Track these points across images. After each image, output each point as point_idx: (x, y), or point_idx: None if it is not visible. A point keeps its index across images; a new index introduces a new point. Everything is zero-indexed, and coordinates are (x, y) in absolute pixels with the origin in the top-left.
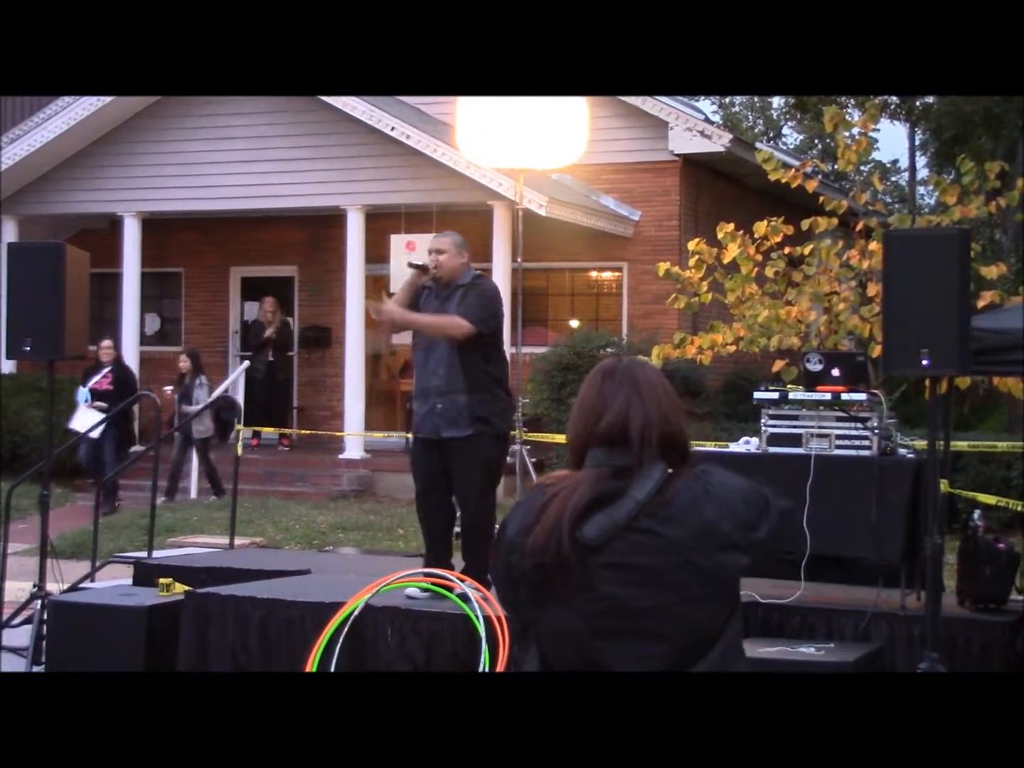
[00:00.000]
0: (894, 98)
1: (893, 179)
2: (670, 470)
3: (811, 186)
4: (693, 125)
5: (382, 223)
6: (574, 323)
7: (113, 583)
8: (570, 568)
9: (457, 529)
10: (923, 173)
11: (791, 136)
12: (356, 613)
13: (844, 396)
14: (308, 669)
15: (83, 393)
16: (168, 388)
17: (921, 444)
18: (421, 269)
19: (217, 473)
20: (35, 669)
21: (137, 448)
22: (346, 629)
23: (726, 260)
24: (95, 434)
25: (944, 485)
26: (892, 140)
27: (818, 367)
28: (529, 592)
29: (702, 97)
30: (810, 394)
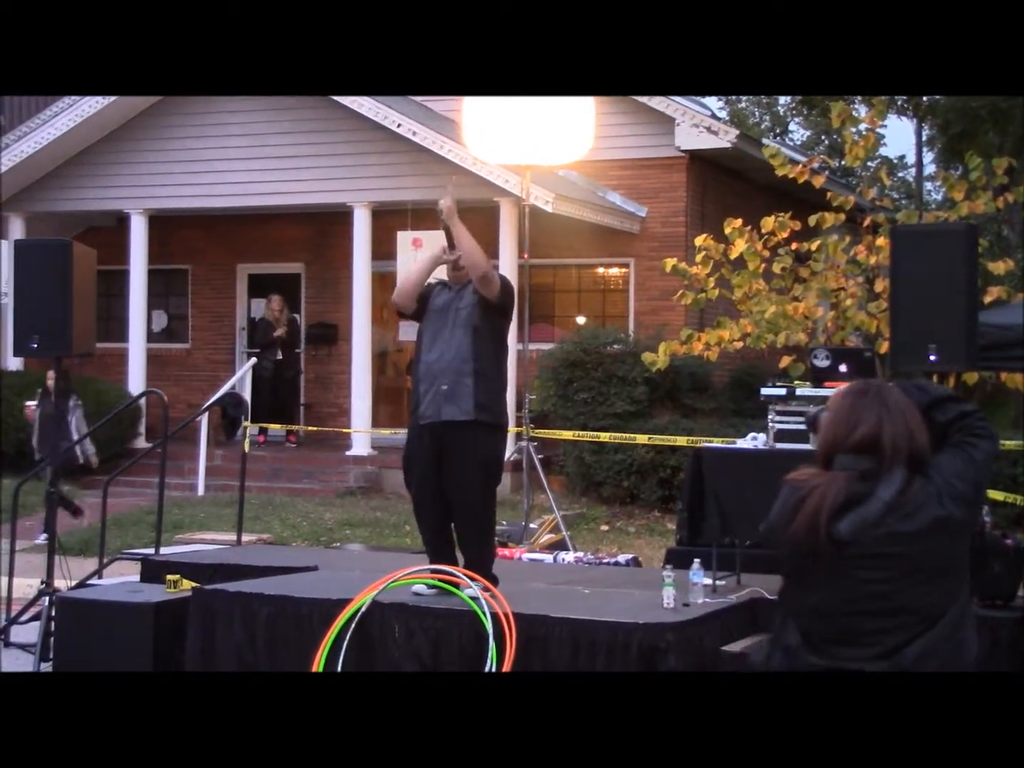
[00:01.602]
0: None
1: (900, 175)
2: (908, 474)
3: (818, 182)
4: (700, 121)
5: (389, 220)
6: (581, 319)
7: (120, 580)
8: (825, 558)
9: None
10: (930, 169)
11: (798, 132)
12: (363, 610)
13: None
14: (315, 666)
15: None
16: (30, 403)
17: None
18: (451, 244)
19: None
20: (43, 666)
21: (145, 445)
22: (353, 626)
23: (733, 256)
24: None
25: None
26: (899, 136)
27: (825, 363)
28: (788, 574)
29: None
30: (817, 390)
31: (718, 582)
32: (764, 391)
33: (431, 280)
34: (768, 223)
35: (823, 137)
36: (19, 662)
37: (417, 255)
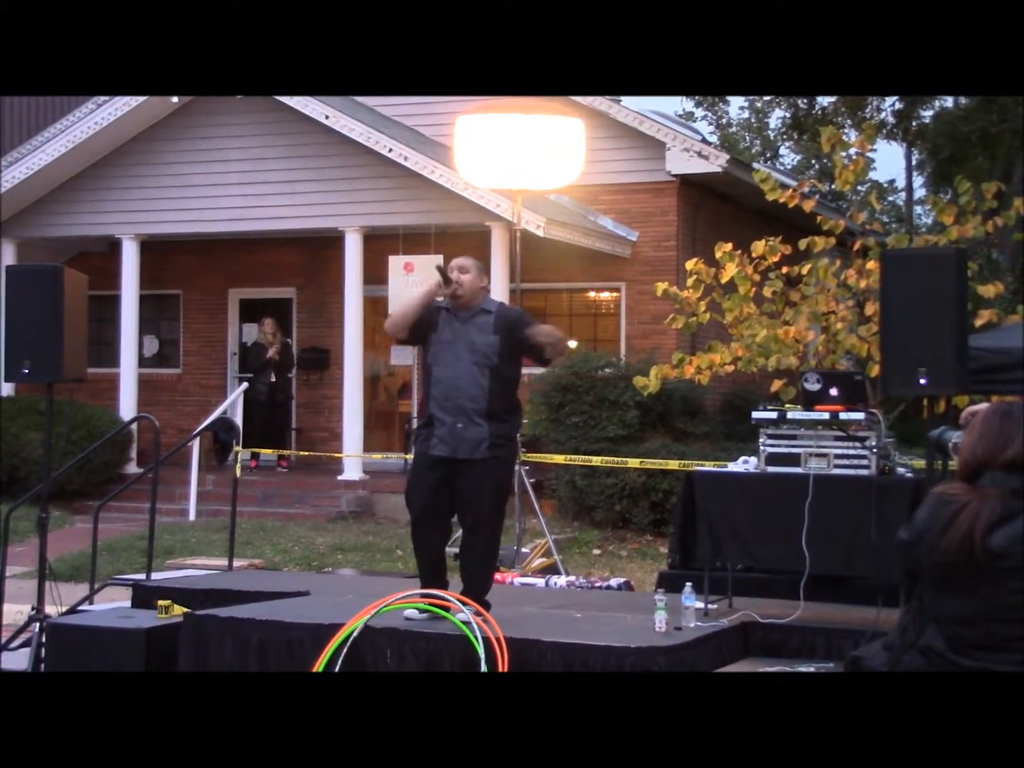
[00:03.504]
0: (891, 118)
1: (890, 199)
2: None
3: (808, 206)
4: (690, 146)
5: (380, 244)
6: (572, 344)
7: (111, 605)
8: (977, 569)
9: (454, 549)
10: (920, 193)
11: (788, 156)
12: (355, 634)
13: (842, 415)
14: None
15: None
16: None
17: (920, 463)
18: (444, 278)
19: None
20: None
21: (136, 470)
22: (345, 650)
23: (724, 280)
24: None
25: None
26: (889, 160)
27: (816, 387)
28: (932, 580)
29: (699, 117)
30: (808, 414)
31: (710, 606)
32: (755, 415)
33: (437, 303)
34: (758, 247)
35: (813, 161)
36: None
37: (409, 279)
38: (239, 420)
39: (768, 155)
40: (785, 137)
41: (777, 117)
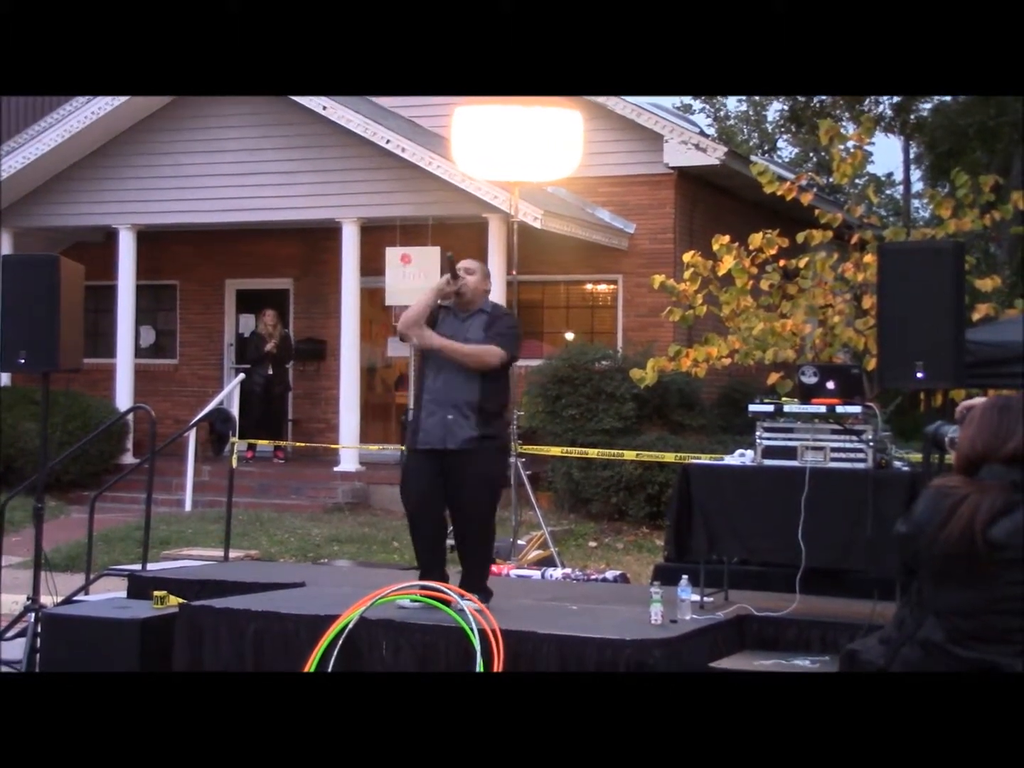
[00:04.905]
0: (889, 111)
1: (888, 192)
2: None
3: (806, 199)
4: (688, 138)
5: (377, 236)
6: (569, 336)
7: (107, 596)
8: (977, 560)
9: (450, 541)
10: (918, 186)
11: (786, 149)
12: (351, 626)
13: (839, 409)
14: None
15: None
16: None
17: (916, 457)
18: (454, 275)
19: None
20: None
21: (132, 461)
22: (341, 642)
23: (721, 273)
24: None
25: None
26: (887, 153)
27: (813, 380)
28: (931, 572)
29: (696, 110)
30: (805, 407)
31: (706, 599)
32: (752, 408)
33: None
34: (756, 240)
35: (811, 154)
36: None
37: (406, 271)
38: (235, 411)
39: (766, 148)
40: (783, 130)
41: (775, 110)
